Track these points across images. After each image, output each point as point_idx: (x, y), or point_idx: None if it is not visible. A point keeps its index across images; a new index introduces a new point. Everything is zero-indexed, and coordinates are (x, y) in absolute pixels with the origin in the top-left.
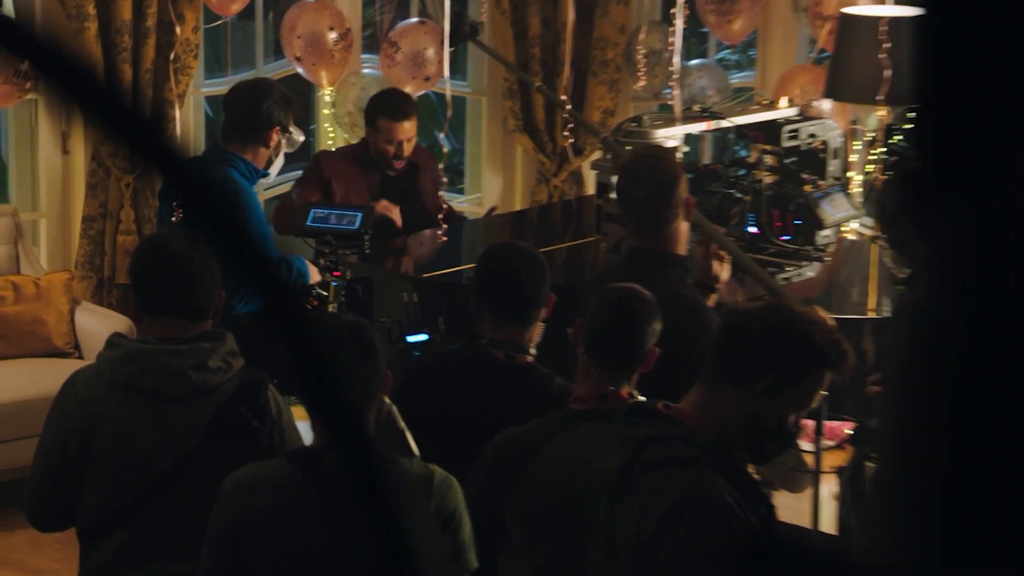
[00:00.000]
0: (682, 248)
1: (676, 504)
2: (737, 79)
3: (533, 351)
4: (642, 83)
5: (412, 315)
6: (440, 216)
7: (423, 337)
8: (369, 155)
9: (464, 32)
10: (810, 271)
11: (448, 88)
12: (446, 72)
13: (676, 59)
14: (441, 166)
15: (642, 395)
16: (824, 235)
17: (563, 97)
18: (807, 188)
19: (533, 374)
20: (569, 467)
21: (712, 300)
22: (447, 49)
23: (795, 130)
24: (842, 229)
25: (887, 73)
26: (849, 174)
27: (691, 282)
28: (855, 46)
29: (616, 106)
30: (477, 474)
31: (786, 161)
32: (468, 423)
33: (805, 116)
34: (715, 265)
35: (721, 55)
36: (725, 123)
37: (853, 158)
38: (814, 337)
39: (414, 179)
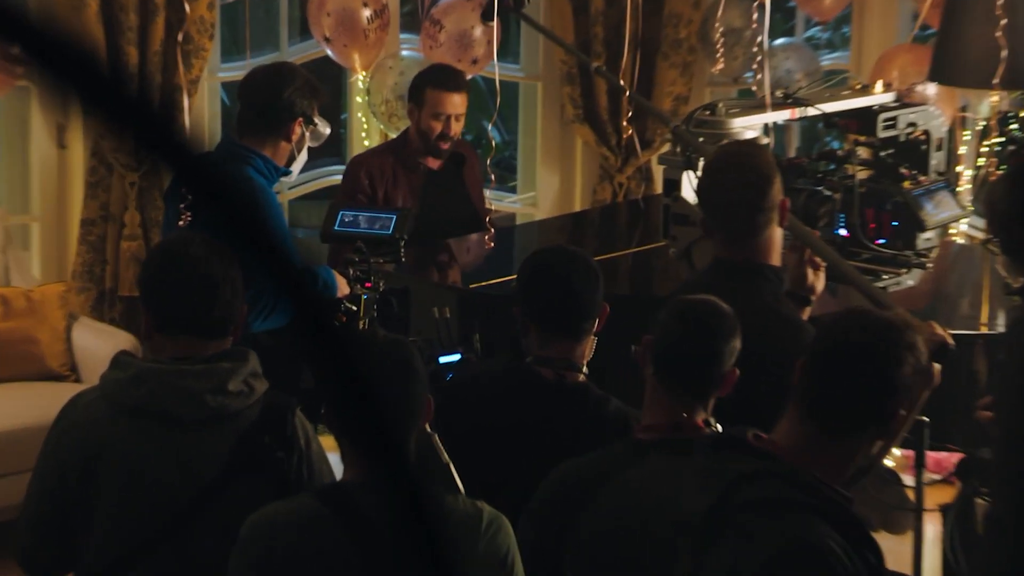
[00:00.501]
0: (776, 258)
1: (778, 553)
2: (828, 61)
3: (585, 369)
4: (720, 66)
5: (444, 332)
6: (487, 219)
7: (456, 357)
8: (410, 150)
9: (507, 4)
10: (910, 279)
11: (496, 72)
12: (494, 53)
13: (762, 38)
14: (488, 161)
15: (722, 423)
16: (926, 238)
17: (622, 81)
18: (906, 185)
19: (587, 395)
20: (639, 506)
21: (806, 313)
22: (492, 26)
23: (892, 118)
24: (949, 231)
25: (1003, 53)
26: (957, 168)
27: (788, 297)
28: (966, 22)
29: (690, 92)
30: (531, 514)
31: (882, 154)
32: (511, 450)
33: (904, 102)
34: (810, 274)
35: (810, 33)
36: (812, 111)
37: (962, 150)
38: (923, 363)
39: (459, 173)
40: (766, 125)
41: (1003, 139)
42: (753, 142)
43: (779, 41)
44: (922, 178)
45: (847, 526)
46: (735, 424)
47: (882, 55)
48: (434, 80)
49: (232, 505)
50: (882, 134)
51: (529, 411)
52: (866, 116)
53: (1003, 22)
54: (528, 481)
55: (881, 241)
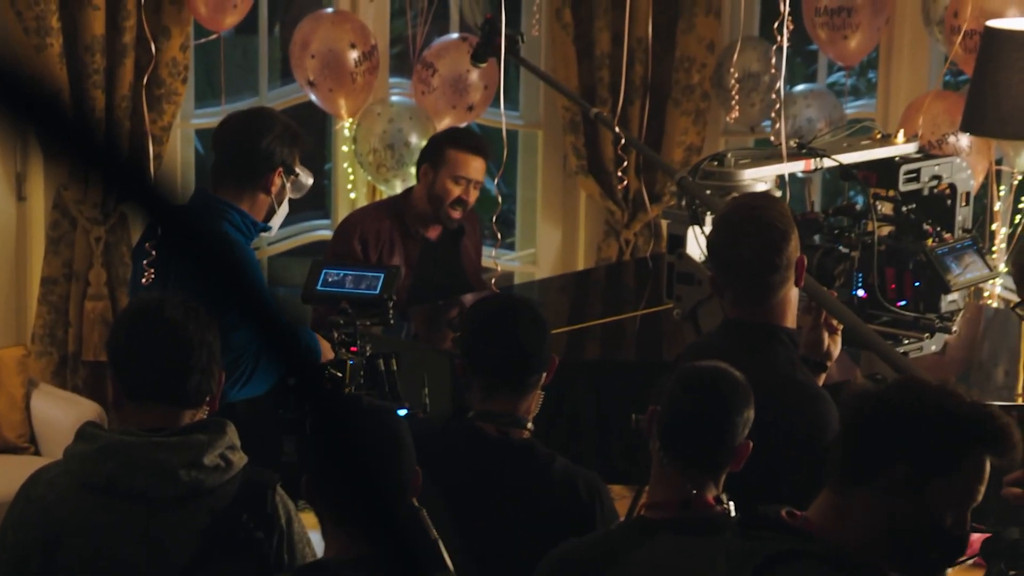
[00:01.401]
0: (791, 320)
1: None
2: (853, 108)
3: (530, 425)
4: (735, 113)
5: (390, 386)
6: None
7: (401, 412)
8: (412, 214)
9: (496, 44)
10: (933, 344)
11: (503, 120)
12: (501, 98)
13: (779, 84)
14: (494, 218)
15: (734, 500)
16: (950, 300)
17: (617, 129)
18: (930, 243)
19: (531, 453)
20: None
21: (821, 380)
22: (483, 68)
23: (915, 170)
24: (983, 294)
25: None
26: (992, 226)
27: (802, 362)
28: (1002, 68)
29: (703, 141)
30: None
31: (904, 209)
32: (453, 510)
33: (927, 154)
34: (826, 338)
35: (833, 79)
36: (828, 162)
37: (997, 206)
38: (958, 413)
39: (456, 245)
40: (781, 177)
41: None
42: (768, 195)
43: (800, 87)
44: (947, 235)
45: None
46: (746, 501)
47: (911, 103)
48: (457, 141)
49: None
50: (904, 187)
51: (470, 469)
52: (887, 168)
53: None
54: (476, 543)
55: (902, 303)
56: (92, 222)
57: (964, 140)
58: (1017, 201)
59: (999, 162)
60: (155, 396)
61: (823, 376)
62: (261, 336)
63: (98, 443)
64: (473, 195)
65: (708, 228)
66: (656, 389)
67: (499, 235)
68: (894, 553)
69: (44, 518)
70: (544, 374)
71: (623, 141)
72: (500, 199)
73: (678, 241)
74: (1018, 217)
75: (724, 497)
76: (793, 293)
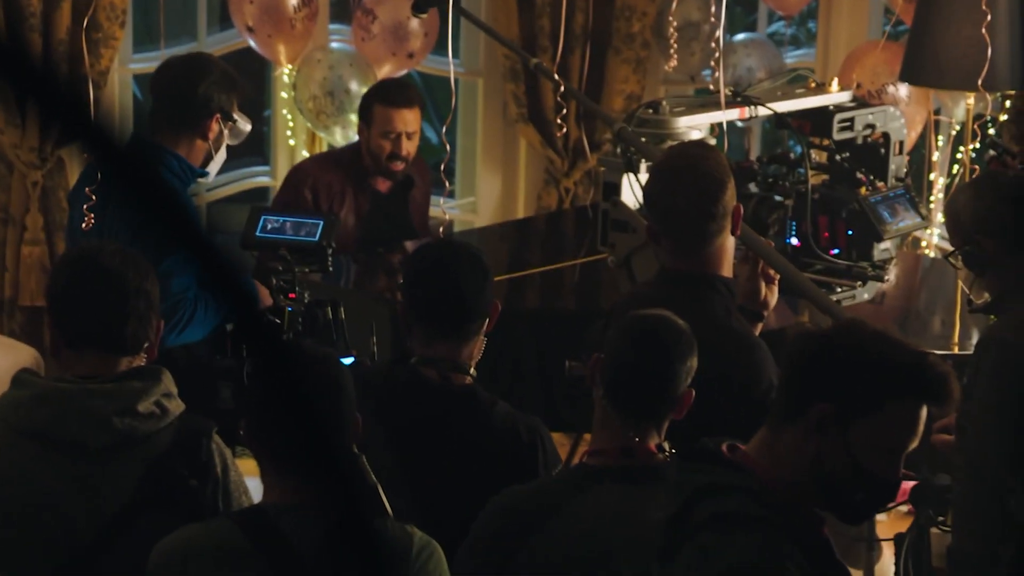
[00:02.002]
0: (728, 269)
1: (728, 572)
2: (793, 58)
3: (473, 371)
4: (674, 62)
5: (338, 334)
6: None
7: (348, 360)
8: (361, 166)
9: None
10: (866, 292)
11: (452, 69)
12: (449, 52)
13: (719, 33)
14: (442, 168)
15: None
16: (883, 249)
17: (557, 76)
18: (863, 191)
19: (473, 398)
20: (590, 536)
21: (758, 330)
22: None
23: (849, 119)
24: (921, 244)
25: (988, 52)
26: (931, 176)
27: (739, 312)
28: (942, 18)
29: (643, 90)
30: (471, 546)
31: (837, 157)
32: (396, 454)
33: (861, 103)
34: (763, 288)
35: (774, 29)
36: (762, 110)
37: (935, 157)
38: (891, 358)
39: (405, 198)
40: (720, 126)
41: (980, 145)
42: (705, 143)
43: (740, 37)
44: (880, 184)
45: (812, 547)
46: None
47: (850, 53)
48: (382, 96)
49: (141, 539)
50: (838, 136)
51: (412, 415)
52: (821, 117)
53: (987, 19)
54: (418, 488)
55: (835, 252)
56: (29, 166)
57: (903, 90)
58: (955, 151)
59: (937, 112)
60: (92, 343)
61: (760, 326)
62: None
63: (32, 390)
64: (408, 146)
65: (644, 176)
66: (589, 337)
67: (447, 183)
68: (820, 492)
69: None
70: (486, 320)
71: (562, 90)
72: (448, 147)
73: (613, 189)
74: (956, 167)
75: (666, 445)
76: (730, 242)
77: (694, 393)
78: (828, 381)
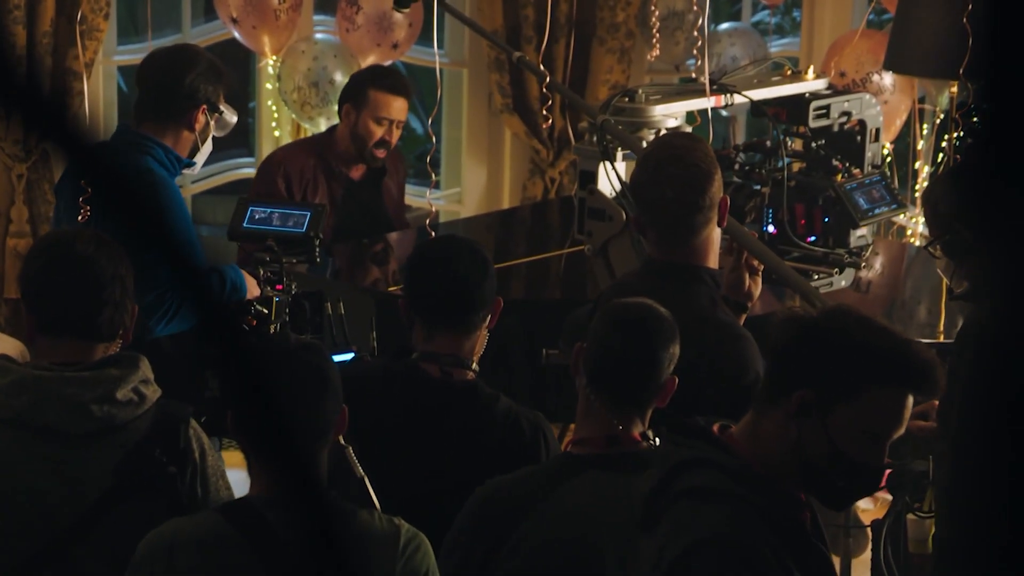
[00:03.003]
0: (713, 260)
1: (697, 543)
2: (777, 47)
3: (475, 366)
4: (656, 52)
5: (338, 330)
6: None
7: (348, 356)
8: (335, 153)
9: None
10: (843, 280)
11: (437, 60)
12: (435, 43)
13: (703, 21)
14: (428, 159)
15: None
16: (859, 235)
17: (542, 67)
18: (839, 178)
19: (474, 394)
20: (575, 525)
21: (742, 320)
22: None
23: (825, 107)
24: (907, 232)
25: (970, 40)
26: (916, 164)
27: (724, 302)
28: (924, 6)
29: (628, 80)
30: (456, 536)
31: (813, 145)
32: (396, 452)
33: (837, 90)
34: (747, 279)
35: (758, 18)
36: (738, 98)
37: (920, 145)
38: (875, 345)
39: (378, 185)
40: (705, 115)
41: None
42: (692, 134)
43: (724, 26)
44: (856, 171)
45: (786, 527)
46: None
47: (835, 42)
48: (378, 81)
49: (119, 526)
50: (814, 124)
51: (412, 411)
52: (797, 104)
53: (969, 7)
54: (417, 484)
55: (812, 239)
56: (13, 159)
57: (887, 79)
58: (939, 140)
59: (922, 100)
60: (68, 330)
61: (744, 317)
62: (174, 276)
63: (9, 377)
64: (395, 135)
65: (620, 165)
66: (568, 325)
67: (433, 175)
68: (803, 476)
69: None
70: (488, 314)
71: (547, 80)
72: (434, 139)
73: (589, 177)
74: (940, 155)
75: (650, 433)
76: (716, 233)
77: (677, 380)
78: (810, 366)
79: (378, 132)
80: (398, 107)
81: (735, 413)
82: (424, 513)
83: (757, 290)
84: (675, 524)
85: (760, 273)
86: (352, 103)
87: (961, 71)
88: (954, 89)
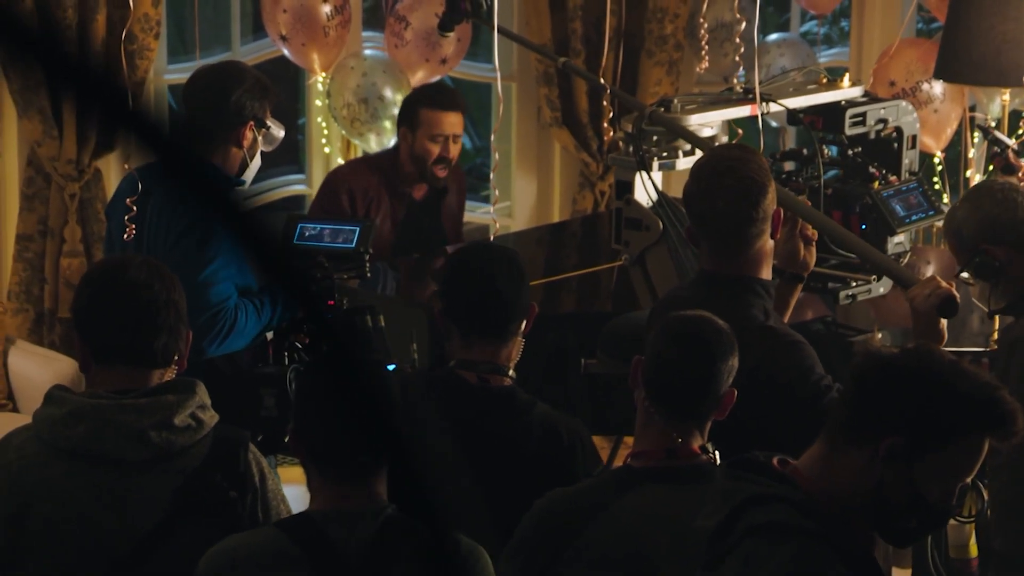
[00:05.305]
0: (767, 271)
1: None
2: (826, 57)
3: (512, 373)
4: (705, 64)
5: (378, 342)
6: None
7: (390, 368)
8: (399, 171)
9: (463, 9)
10: (881, 287)
11: (498, 77)
12: (495, 57)
13: (747, 30)
14: (492, 176)
15: (719, 449)
16: (897, 242)
17: (602, 80)
18: (875, 185)
19: (511, 400)
20: (634, 537)
21: (798, 291)
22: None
23: (861, 114)
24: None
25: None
26: (967, 173)
27: (779, 276)
28: (975, 14)
29: (677, 92)
30: (514, 551)
31: (850, 152)
32: (436, 458)
33: (873, 98)
34: (801, 248)
35: (806, 28)
36: (775, 107)
37: (971, 153)
38: (965, 394)
39: (438, 205)
40: (754, 126)
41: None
42: (746, 146)
43: (773, 37)
44: (892, 178)
45: (858, 563)
46: (730, 450)
47: (884, 51)
48: (428, 99)
49: (179, 553)
50: (850, 131)
51: (451, 417)
52: (833, 112)
53: None
54: (457, 491)
55: None
56: (66, 179)
57: (937, 87)
58: (991, 148)
59: (973, 109)
60: (123, 358)
61: (799, 287)
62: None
63: (67, 407)
64: (454, 150)
65: (656, 175)
66: (605, 336)
67: (496, 191)
68: (874, 515)
69: (13, 483)
70: (524, 322)
71: (605, 87)
72: (495, 154)
73: (626, 187)
74: (991, 165)
75: (709, 446)
76: (769, 245)
77: (736, 393)
78: (901, 413)
79: (435, 150)
80: (451, 122)
81: (796, 422)
82: (463, 518)
83: (812, 260)
84: (747, 562)
85: (814, 243)
86: (407, 126)
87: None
88: (1006, 97)
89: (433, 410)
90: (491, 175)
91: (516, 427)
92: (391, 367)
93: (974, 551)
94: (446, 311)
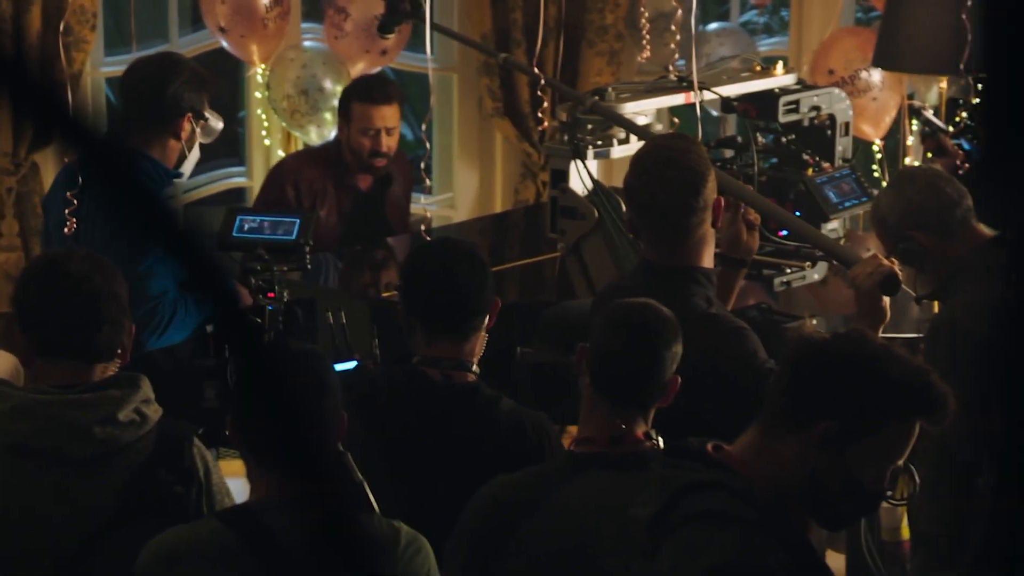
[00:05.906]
0: (708, 260)
1: (711, 570)
2: (766, 47)
3: (476, 368)
4: (647, 53)
5: (340, 339)
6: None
7: (351, 365)
8: (342, 162)
9: (402, 9)
10: (816, 273)
11: (431, 68)
12: (428, 50)
13: (687, 19)
14: (422, 165)
15: (662, 435)
16: (830, 229)
17: (536, 70)
18: (809, 172)
19: (476, 396)
20: (578, 525)
21: (741, 276)
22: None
23: (794, 102)
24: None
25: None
26: (906, 160)
27: (722, 262)
28: (913, 3)
29: (618, 82)
30: (459, 538)
31: (784, 140)
32: (400, 456)
33: (806, 85)
34: (744, 232)
35: (746, 17)
36: (708, 95)
37: (910, 141)
38: (897, 379)
39: (383, 195)
40: (693, 114)
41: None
42: (685, 136)
43: (712, 26)
44: (826, 165)
45: (795, 548)
46: (674, 436)
47: (823, 40)
48: (360, 93)
49: (127, 547)
50: (784, 119)
51: (415, 415)
52: (766, 100)
53: (968, 2)
54: (422, 488)
55: (784, 233)
56: (3, 172)
57: (876, 76)
58: (923, 128)
59: (911, 97)
60: (66, 352)
61: (742, 273)
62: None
63: (10, 403)
64: (388, 142)
65: (591, 163)
66: (542, 325)
67: (428, 181)
68: (809, 500)
69: None
70: (487, 316)
71: (541, 81)
72: (428, 145)
73: (561, 176)
74: (930, 153)
75: (653, 432)
76: (710, 234)
77: (680, 380)
78: (834, 399)
79: (367, 143)
80: (382, 115)
81: (740, 410)
82: (429, 515)
83: (755, 245)
84: (685, 549)
85: (757, 228)
86: (343, 118)
87: (962, 65)
88: (943, 85)
89: (394, 407)
90: (422, 165)
91: (481, 423)
92: (352, 363)
93: (906, 533)
94: (408, 308)
